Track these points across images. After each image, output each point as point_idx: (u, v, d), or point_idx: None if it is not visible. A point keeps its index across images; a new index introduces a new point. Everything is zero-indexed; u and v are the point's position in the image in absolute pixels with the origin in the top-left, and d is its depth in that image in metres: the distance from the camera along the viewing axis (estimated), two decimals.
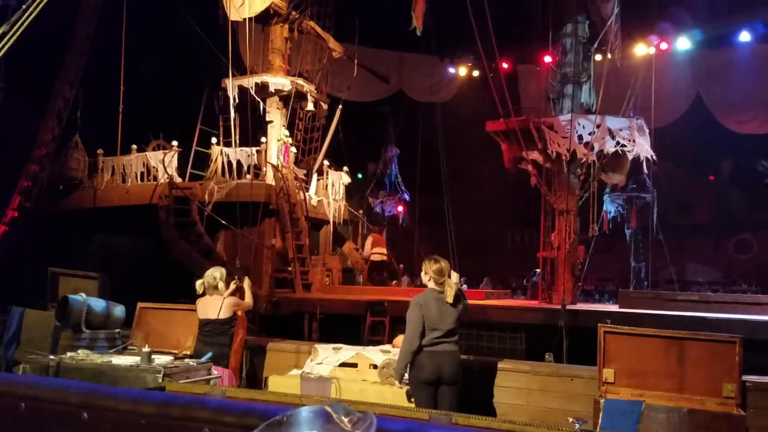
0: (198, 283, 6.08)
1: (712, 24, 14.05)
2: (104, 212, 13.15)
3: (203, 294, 6.07)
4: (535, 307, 10.26)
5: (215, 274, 6.08)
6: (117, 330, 7.23)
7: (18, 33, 6.54)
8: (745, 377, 5.21)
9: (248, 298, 6.42)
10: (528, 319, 9.42)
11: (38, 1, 6.81)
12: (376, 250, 14.58)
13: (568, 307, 9.20)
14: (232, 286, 6.29)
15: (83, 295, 7.16)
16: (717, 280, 16.97)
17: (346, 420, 0.99)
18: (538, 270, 13.74)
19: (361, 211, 16.80)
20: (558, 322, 8.59)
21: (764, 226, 17.28)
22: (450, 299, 5.08)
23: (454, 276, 5.37)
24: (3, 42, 6.40)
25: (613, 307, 10.23)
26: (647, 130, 10.72)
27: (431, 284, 5.23)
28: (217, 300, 5.99)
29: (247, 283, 6.47)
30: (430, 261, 5.25)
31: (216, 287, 6.02)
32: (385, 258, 14.76)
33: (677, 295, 10.09)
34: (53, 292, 8.66)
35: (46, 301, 8.64)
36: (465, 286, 12.12)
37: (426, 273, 5.25)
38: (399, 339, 6.80)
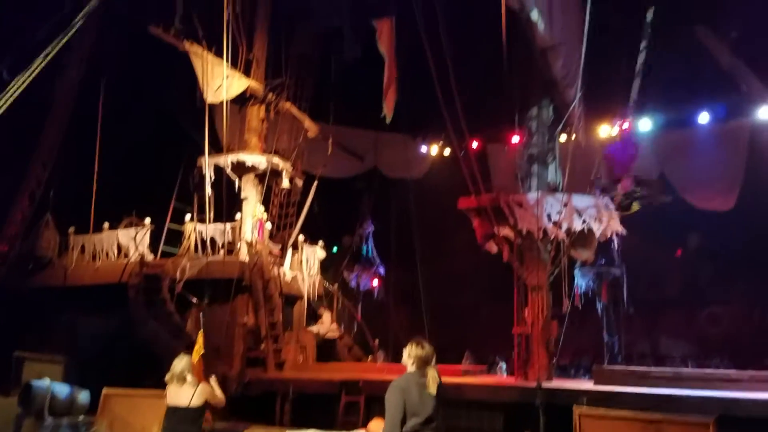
0: (168, 376, 5.93)
1: (672, 106, 14.76)
2: (73, 291, 12.94)
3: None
4: (511, 385, 10.18)
5: (181, 365, 5.92)
6: (81, 416, 7.01)
7: None
8: None
9: (219, 394, 6.23)
10: (504, 397, 9.34)
11: (17, 85, 6.95)
12: (333, 327, 14.56)
13: (544, 384, 9.15)
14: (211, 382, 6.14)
15: (47, 380, 6.99)
16: (690, 354, 17.04)
17: None
18: (502, 363, 13.87)
19: (336, 285, 16.73)
20: (534, 401, 8.52)
21: (733, 299, 17.58)
22: (432, 390, 5.00)
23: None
24: None
25: (589, 384, 10.19)
26: (613, 208, 11.05)
27: (412, 368, 5.15)
28: (189, 387, 5.83)
29: (213, 381, 6.29)
30: (414, 345, 5.14)
31: (185, 379, 5.87)
32: (336, 335, 14.68)
33: (651, 371, 10.11)
34: (17, 377, 8.42)
35: (9, 386, 8.37)
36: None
37: (409, 356, 5.16)
38: (374, 424, 6.63)
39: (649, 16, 10.68)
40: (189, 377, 5.87)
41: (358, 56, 13.65)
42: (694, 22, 12.88)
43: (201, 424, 5.96)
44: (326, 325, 14.54)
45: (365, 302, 19.97)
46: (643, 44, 11.22)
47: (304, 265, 14.61)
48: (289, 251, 14.46)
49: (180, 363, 5.93)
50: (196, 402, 5.77)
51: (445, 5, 9.74)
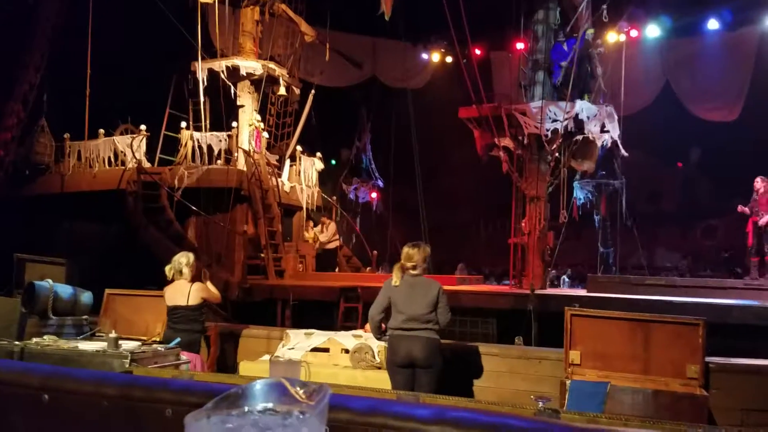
0: (167, 268, 6.00)
1: (681, 11, 14.23)
2: (71, 198, 12.89)
3: (171, 280, 5.99)
4: (506, 292, 10.36)
5: (182, 259, 6.00)
6: (84, 317, 7.11)
7: None
8: (708, 359, 5.33)
9: (213, 289, 6.32)
10: (499, 304, 9.52)
11: None
12: (335, 237, 14.61)
13: (538, 291, 9.32)
14: (205, 280, 6.20)
15: (50, 281, 7.02)
16: (685, 266, 17.31)
17: (301, 391, 0.98)
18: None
19: (334, 198, 16.74)
20: (527, 306, 8.71)
21: (730, 212, 17.64)
22: (395, 282, 5.13)
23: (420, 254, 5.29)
24: None
25: (582, 292, 10.38)
26: (616, 117, 10.86)
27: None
28: (184, 286, 5.91)
29: (206, 278, 6.36)
30: (407, 246, 5.33)
31: (181, 272, 5.94)
32: (337, 245, 14.73)
33: (644, 279, 10.27)
34: (19, 279, 8.44)
35: (12, 287, 8.46)
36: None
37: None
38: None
39: None
40: (185, 270, 5.92)
41: None
42: None
43: (203, 321, 6.08)
44: (329, 234, 14.57)
45: (364, 215, 20.08)
46: None
47: (302, 176, 14.54)
48: (287, 162, 14.34)
49: (181, 257, 6.00)
50: (194, 300, 5.86)
51: None
